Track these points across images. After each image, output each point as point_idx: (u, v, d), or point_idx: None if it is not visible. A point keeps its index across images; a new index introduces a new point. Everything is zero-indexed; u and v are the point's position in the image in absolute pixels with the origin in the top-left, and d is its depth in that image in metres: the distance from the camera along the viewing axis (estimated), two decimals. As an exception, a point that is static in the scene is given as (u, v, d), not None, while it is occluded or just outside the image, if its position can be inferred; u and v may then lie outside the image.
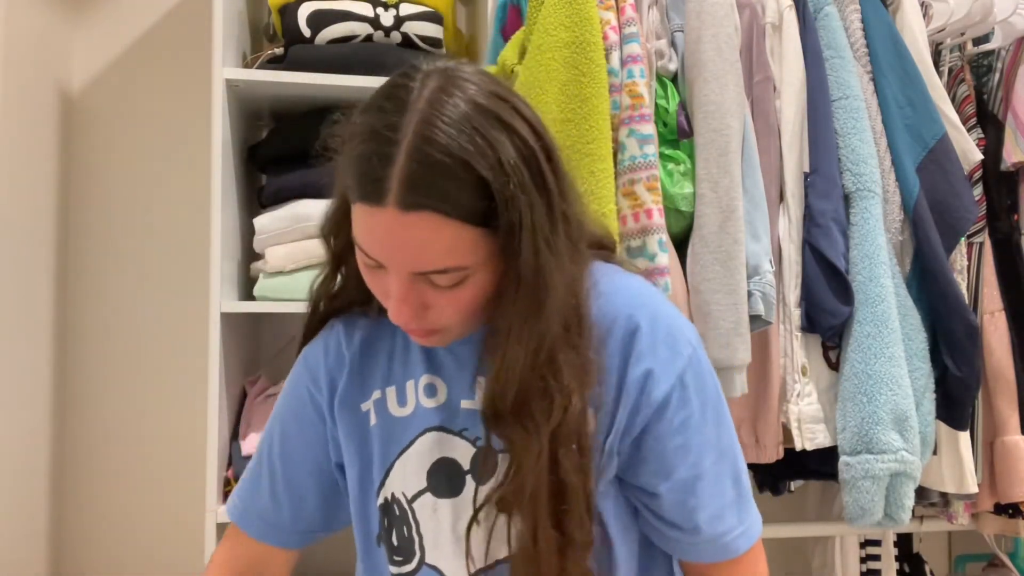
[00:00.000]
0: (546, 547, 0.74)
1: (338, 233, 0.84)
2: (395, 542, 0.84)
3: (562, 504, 0.75)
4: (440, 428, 0.83)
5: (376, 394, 0.87)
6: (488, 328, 0.78)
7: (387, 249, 0.71)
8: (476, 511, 0.78)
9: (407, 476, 0.83)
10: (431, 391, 0.85)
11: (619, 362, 0.79)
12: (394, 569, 0.84)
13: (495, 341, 0.75)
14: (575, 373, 0.75)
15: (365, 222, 0.71)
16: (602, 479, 0.79)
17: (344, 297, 0.90)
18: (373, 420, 0.86)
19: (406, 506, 0.83)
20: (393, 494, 0.84)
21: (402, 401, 0.85)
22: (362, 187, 0.70)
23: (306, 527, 0.94)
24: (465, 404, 0.83)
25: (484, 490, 0.78)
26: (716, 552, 0.83)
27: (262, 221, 1.53)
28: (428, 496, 0.82)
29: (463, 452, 0.82)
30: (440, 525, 0.82)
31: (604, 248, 0.90)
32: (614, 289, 0.81)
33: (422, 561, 0.83)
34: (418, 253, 0.70)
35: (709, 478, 0.81)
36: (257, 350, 1.83)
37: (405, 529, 0.83)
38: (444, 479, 0.82)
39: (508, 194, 0.69)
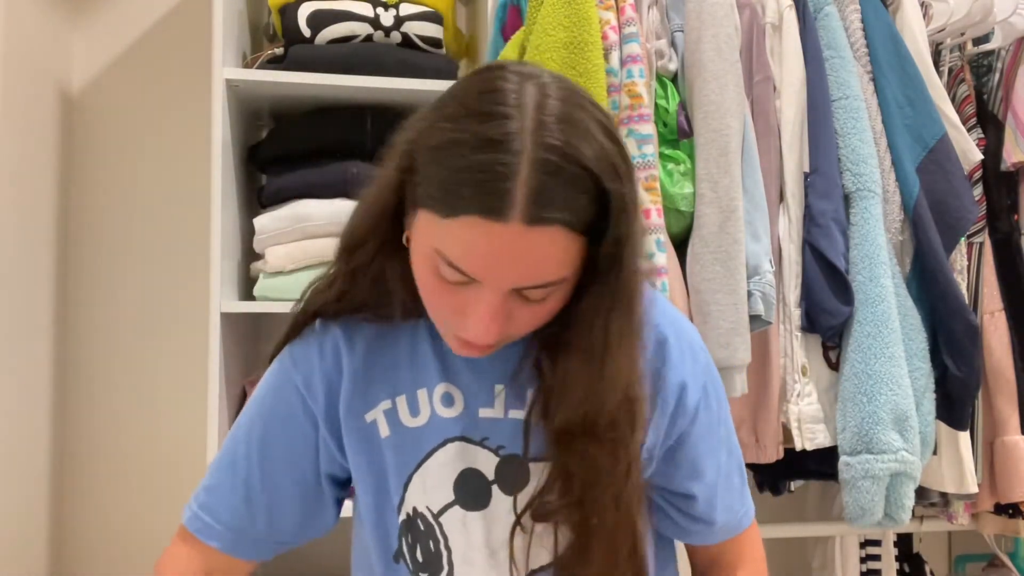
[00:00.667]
0: (609, 553, 0.76)
1: (370, 240, 0.76)
2: (420, 558, 0.81)
3: (626, 513, 0.76)
4: (461, 438, 0.80)
5: (385, 404, 0.82)
6: (535, 341, 0.77)
7: (498, 264, 0.66)
8: (517, 519, 0.78)
9: (429, 489, 0.80)
10: (448, 400, 0.81)
11: (651, 372, 0.80)
12: None
13: (587, 358, 0.72)
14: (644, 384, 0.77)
15: (472, 237, 0.65)
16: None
17: (350, 301, 0.82)
18: (385, 432, 0.82)
19: (432, 521, 0.80)
20: (416, 508, 0.81)
21: (414, 411, 0.82)
22: (480, 200, 0.63)
23: (279, 538, 0.88)
24: (484, 413, 0.81)
25: (522, 499, 0.78)
26: (726, 534, 0.91)
27: (262, 221, 1.53)
28: (457, 510, 0.80)
29: (486, 462, 0.80)
30: (471, 539, 0.79)
31: None
32: (651, 310, 0.82)
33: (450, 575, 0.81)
34: (533, 268, 0.66)
35: (724, 473, 0.88)
36: (257, 350, 1.83)
37: (431, 544, 0.80)
38: (471, 491, 0.80)
39: (622, 204, 0.67)
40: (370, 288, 0.80)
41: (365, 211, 0.76)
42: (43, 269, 1.69)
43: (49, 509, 1.71)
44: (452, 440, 0.80)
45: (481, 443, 0.80)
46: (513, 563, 0.79)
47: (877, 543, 1.73)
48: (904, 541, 1.79)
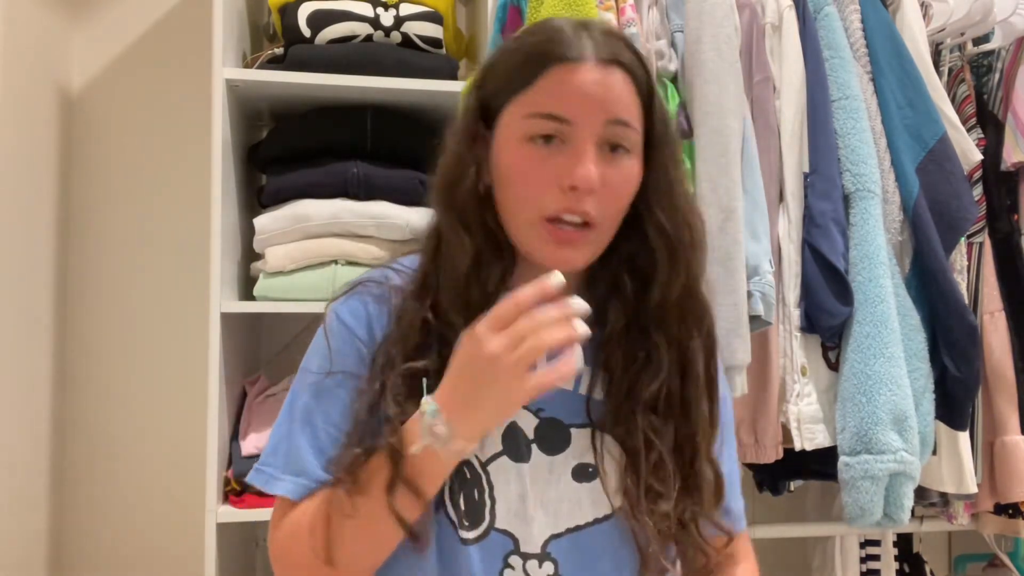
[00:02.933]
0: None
1: (468, 168, 0.82)
2: (463, 505, 0.81)
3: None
4: None
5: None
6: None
7: (587, 99, 0.78)
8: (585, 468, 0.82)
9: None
10: None
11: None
12: (462, 533, 0.81)
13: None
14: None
15: (559, 83, 0.78)
16: None
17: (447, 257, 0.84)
18: None
19: (479, 469, 0.82)
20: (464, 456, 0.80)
21: None
22: (557, 53, 0.78)
23: None
24: None
25: (562, 460, 0.82)
26: (731, 528, 0.89)
27: (262, 221, 1.53)
28: (505, 459, 0.82)
29: (527, 422, 0.83)
30: (513, 489, 0.82)
31: None
32: None
33: (491, 526, 0.81)
34: (615, 102, 0.78)
35: (733, 463, 0.93)
36: (257, 350, 1.83)
37: (476, 492, 0.81)
38: (516, 444, 0.83)
39: (657, 102, 0.82)
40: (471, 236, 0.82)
41: (454, 148, 0.84)
42: (43, 269, 1.69)
43: (49, 509, 1.71)
44: None
45: None
46: (554, 519, 0.82)
47: (877, 543, 1.73)
48: (904, 541, 1.79)
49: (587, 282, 0.85)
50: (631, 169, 0.80)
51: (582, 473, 0.82)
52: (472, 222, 0.82)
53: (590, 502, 0.82)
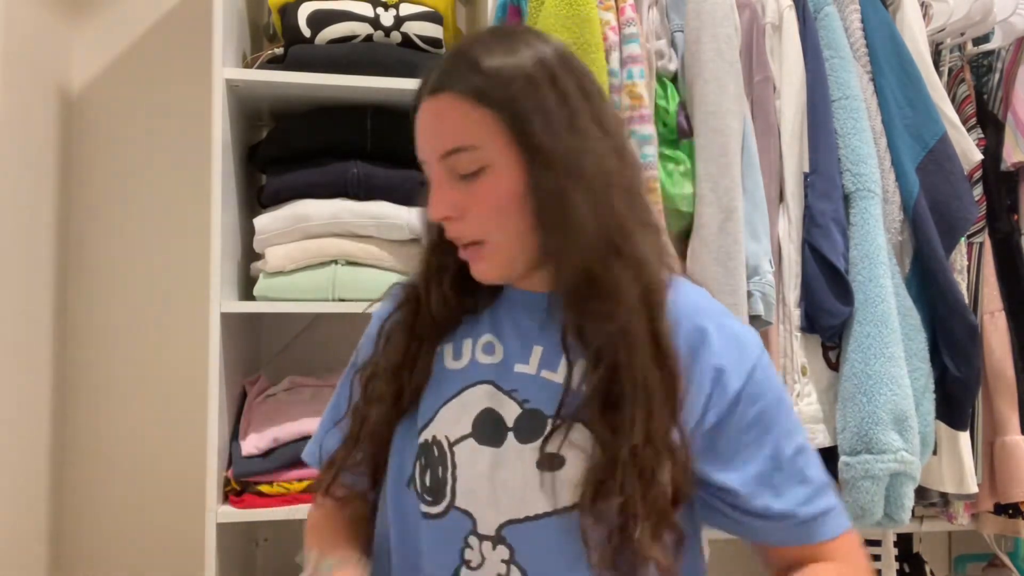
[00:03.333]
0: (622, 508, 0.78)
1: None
2: (427, 482, 0.85)
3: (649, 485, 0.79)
4: (492, 383, 0.86)
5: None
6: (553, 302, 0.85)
7: (423, 135, 0.83)
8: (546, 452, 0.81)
9: (451, 420, 0.86)
10: (489, 349, 0.89)
11: (687, 355, 0.82)
12: (424, 508, 0.86)
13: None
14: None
15: (416, 125, 0.84)
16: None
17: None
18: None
19: (446, 449, 0.85)
20: (435, 436, 0.86)
21: (457, 355, 0.90)
22: (415, 94, 0.84)
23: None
24: (519, 368, 0.86)
25: (531, 448, 0.82)
26: (802, 534, 0.85)
27: (262, 221, 1.53)
28: (472, 442, 0.85)
29: (510, 410, 0.85)
30: (476, 471, 0.83)
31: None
32: (679, 296, 0.86)
33: (452, 504, 0.84)
34: (445, 130, 0.81)
35: (780, 467, 0.84)
36: (257, 350, 1.83)
37: (440, 471, 0.85)
38: (488, 429, 0.84)
39: (509, 83, 0.79)
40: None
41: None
42: (43, 269, 1.69)
43: (49, 509, 1.71)
44: (483, 383, 0.87)
45: (509, 393, 0.86)
46: (514, 504, 0.82)
47: (877, 543, 1.73)
48: (904, 541, 1.79)
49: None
50: (492, 185, 0.81)
51: (548, 463, 0.81)
52: (435, 246, 0.90)
53: (552, 493, 0.81)
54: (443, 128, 0.81)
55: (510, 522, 0.81)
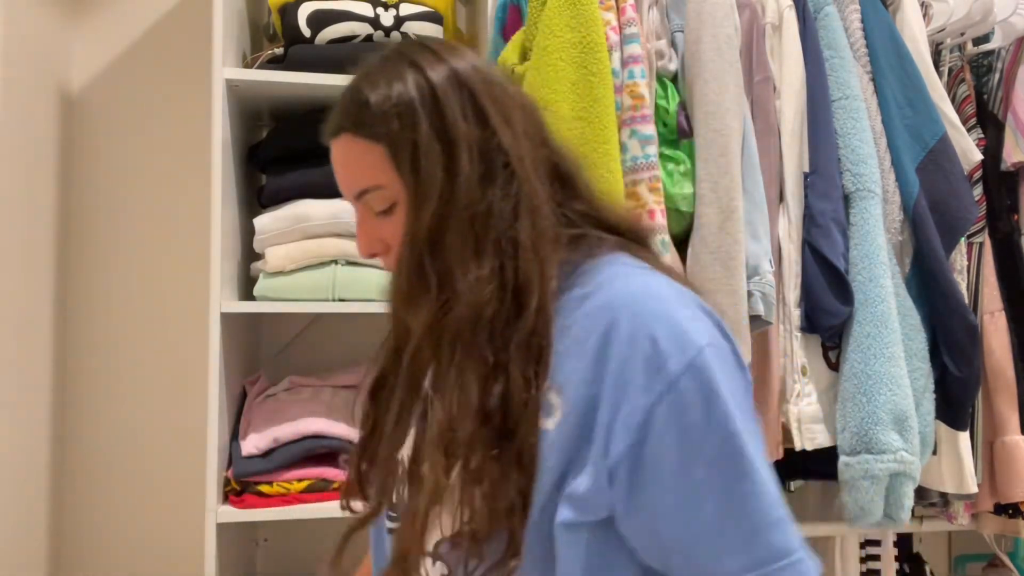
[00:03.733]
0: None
1: None
2: (394, 497, 0.82)
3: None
4: None
5: None
6: None
7: (338, 178, 0.82)
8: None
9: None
10: None
11: (592, 357, 0.71)
12: (388, 523, 0.87)
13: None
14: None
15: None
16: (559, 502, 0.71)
17: None
18: None
19: (406, 464, 0.81)
20: (402, 454, 0.82)
21: None
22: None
23: None
24: None
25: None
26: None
27: (262, 221, 1.53)
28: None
29: None
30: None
31: (625, 236, 0.83)
32: (605, 282, 0.74)
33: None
34: (351, 172, 0.81)
35: (710, 528, 0.68)
36: (257, 350, 1.83)
37: (400, 486, 0.82)
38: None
39: (391, 116, 0.76)
40: None
41: None
42: (43, 269, 1.69)
43: (49, 509, 1.71)
44: None
45: None
46: (451, 522, 0.75)
47: (877, 543, 1.73)
48: (904, 541, 1.79)
49: None
50: (400, 217, 0.78)
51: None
52: None
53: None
54: (349, 170, 0.81)
55: (444, 539, 0.75)
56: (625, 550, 0.72)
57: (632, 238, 0.83)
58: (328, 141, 0.83)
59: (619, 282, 0.74)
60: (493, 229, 0.75)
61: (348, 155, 0.80)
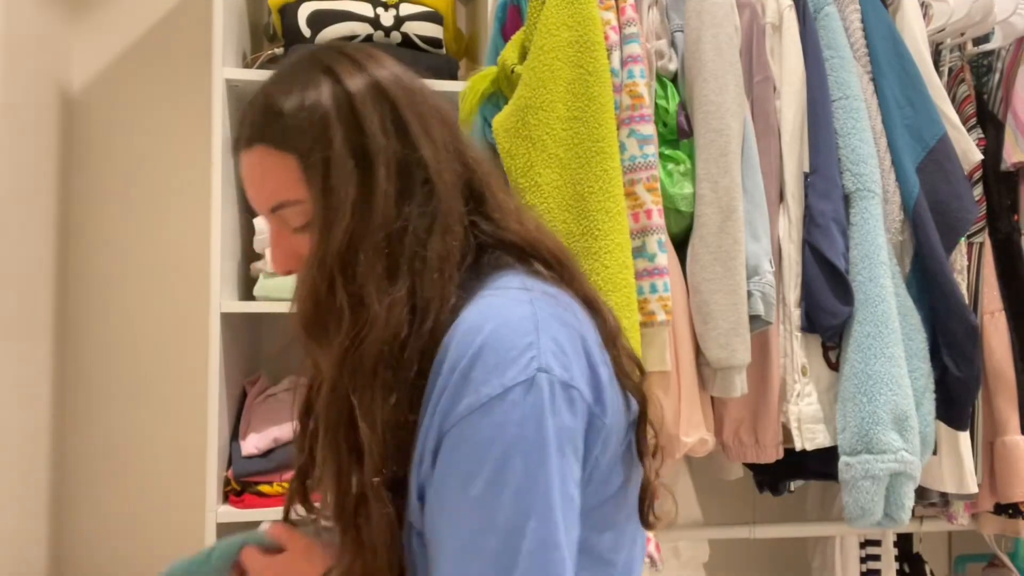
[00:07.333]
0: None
1: None
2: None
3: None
4: None
5: None
6: None
7: (249, 193, 0.78)
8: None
9: None
10: None
11: (431, 389, 0.70)
12: None
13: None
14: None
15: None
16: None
17: None
18: None
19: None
20: None
21: None
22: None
23: None
24: None
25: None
26: None
27: (262, 221, 1.53)
28: None
29: None
30: None
31: (530, 255, 0.79)
32: (472, 306, 0.71)
33: None
34: (261, 188, 0.76)
35: (460, 557, 0.66)
36: (257, 350, 1.83)
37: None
38: None
39: (304, 128, 0.73)
40: None
41: None
42: (43, 269, 1.69)
43: (49, 508, 1.71)
44: None
45: None
46: None
47: (877, 543, 1.73)
48: (904, 541, 1.79)
49: None
50: (313, 232, 0.74)
51: None
52: None
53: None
54: (263, 184, 0.75)
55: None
56: None
57: (536, 256, 0.79)
58: (237, 153, 0.77)
59: (474, 307, 0.71)
60: (408, 248, 0.71)
61: (262, 168, 0.75)
